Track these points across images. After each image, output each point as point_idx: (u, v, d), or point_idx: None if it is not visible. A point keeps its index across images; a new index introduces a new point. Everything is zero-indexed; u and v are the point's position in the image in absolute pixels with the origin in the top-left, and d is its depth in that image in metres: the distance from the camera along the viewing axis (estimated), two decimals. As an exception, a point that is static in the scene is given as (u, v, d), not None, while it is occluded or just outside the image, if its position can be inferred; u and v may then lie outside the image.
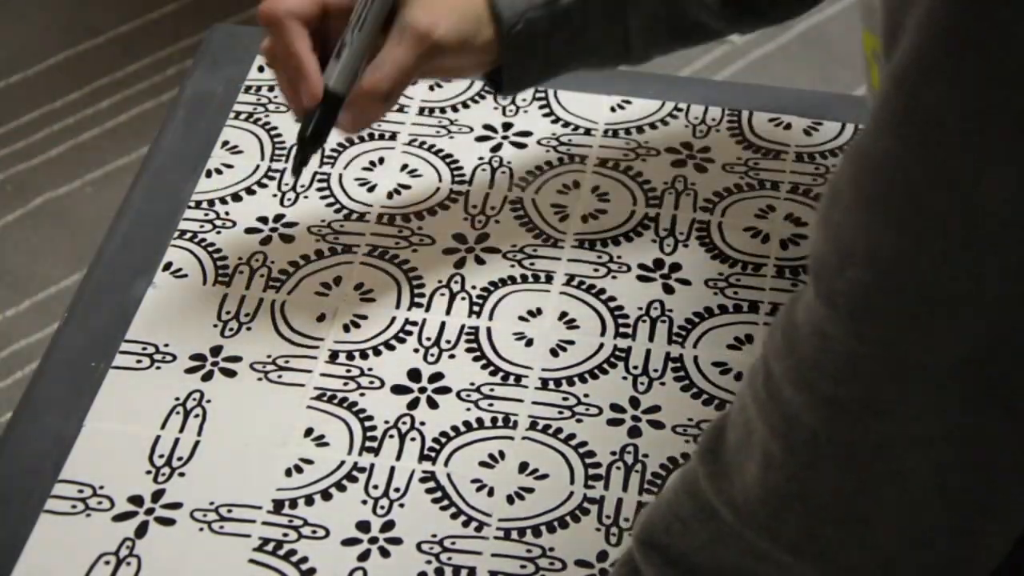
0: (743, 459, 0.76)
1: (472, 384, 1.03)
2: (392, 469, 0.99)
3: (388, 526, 0.96)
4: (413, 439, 1.00)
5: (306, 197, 1.15)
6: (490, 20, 1.03)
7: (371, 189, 1.16)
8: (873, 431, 0.71)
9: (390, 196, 1.15)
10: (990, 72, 0.64)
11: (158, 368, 1.04)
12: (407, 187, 1.16)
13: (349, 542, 0.95)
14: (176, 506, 0.96)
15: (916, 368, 0.69)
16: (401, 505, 0.97)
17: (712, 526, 0.78)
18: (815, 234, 0.73)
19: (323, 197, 1.15)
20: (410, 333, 1.06)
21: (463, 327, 1.07)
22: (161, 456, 0.99)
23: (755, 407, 0.75)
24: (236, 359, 1.04)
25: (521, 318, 1.07)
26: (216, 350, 1.05)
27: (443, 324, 1.07)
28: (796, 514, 0.74)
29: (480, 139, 1.20)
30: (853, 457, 0.71)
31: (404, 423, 1.01)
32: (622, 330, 1.07)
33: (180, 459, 0.99)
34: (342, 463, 0.99)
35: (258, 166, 1.17)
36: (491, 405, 1.02)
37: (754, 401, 0.75)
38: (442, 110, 1.21)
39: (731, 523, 0.76)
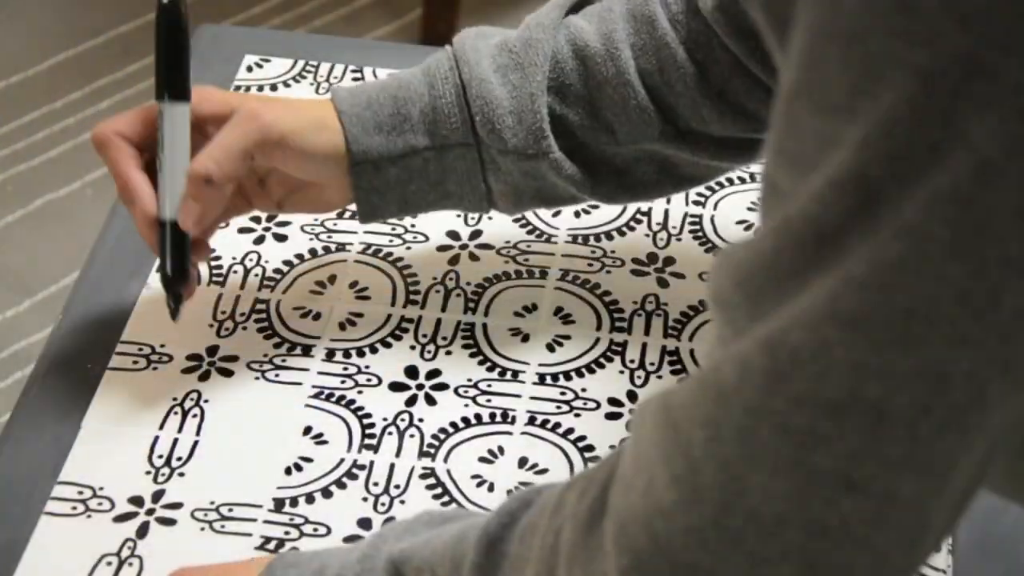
0: None
1: (469, 380, 1.04)
2: (392, 466, 0.99)
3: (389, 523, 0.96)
4: (412, 436, 1.01)
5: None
6: (337, 130, 1.00)
7: (366, 187, 1.16)
8: None
9: (385, 194, 1.15)
10: None
11: (155, 369, 1.04)
12: (402, 184, 1.16)
13: (351, 539, 0.95)
14: (176, 506, 0.97)
15: None
16: (402, 502, 0.97)
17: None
18: None
19: (317, 196, 1.15)
20: (406, 330, 1.06)
21: (459, 323, 1.07)
22: (160, 456, 0.99)
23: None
24: (233, 359, 1.04)
25: (516, 314, 1.08)
26: (212, 350, 1.05)
27: (439, 321, 1.07)
28: None
29: (474, 135, 1.20)
30: None
31: (403, 420, 1.01)
32: (618, 324, 1.07)
33: (179, 459, 0.99)
34: (342, 460, 0.99)
35: (252, 166, 1.17)
36: (489, 401, 1.03)
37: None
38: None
39: None
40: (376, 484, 0.98)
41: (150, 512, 0.96)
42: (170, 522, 0.96)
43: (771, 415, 0.62)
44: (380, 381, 1.03)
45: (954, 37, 0.56)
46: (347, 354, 1.05)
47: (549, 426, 1.01)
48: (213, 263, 1.10)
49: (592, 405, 1.02)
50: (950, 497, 0.64)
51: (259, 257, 1.11)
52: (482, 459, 0.99)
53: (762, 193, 0.65)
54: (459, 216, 1.13)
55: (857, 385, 0.61)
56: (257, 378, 1.03)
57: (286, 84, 1.23)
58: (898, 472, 0.62)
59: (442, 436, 1.01)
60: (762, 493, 0.63)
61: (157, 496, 0.97)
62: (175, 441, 1.00)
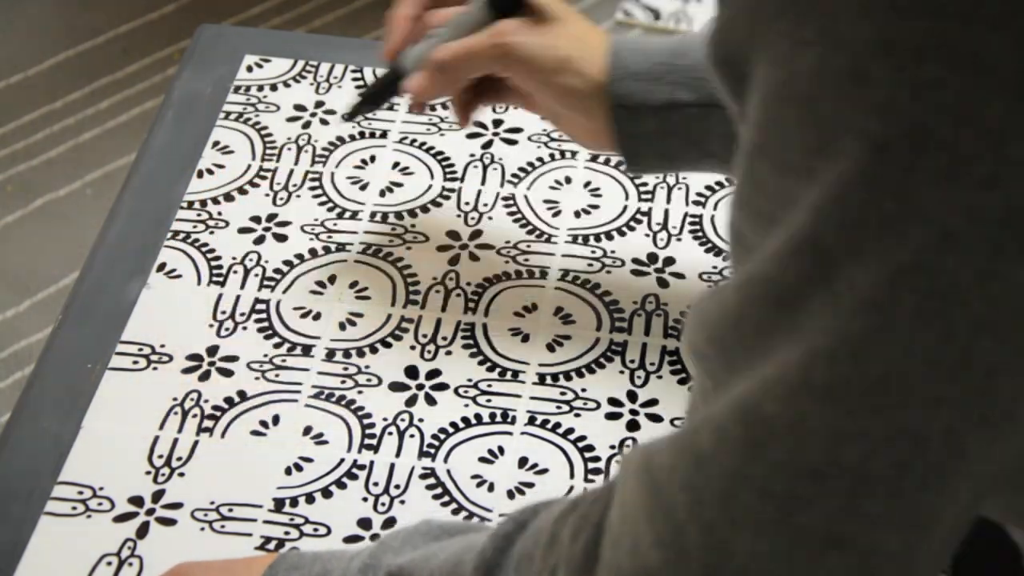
0: None
1: (469, 380, 1.04)
2: (392, 466, 0.99)
3: (389, 523, 0.96)
4: (412, 436, 1.01)
5: (298, 196, 1.15)
6: (578, 72, 1.00)
7: (363, 187, 1.16)
8: None
9: (383, 194, 1.15)
10: None
11: (155, 369, 1.04)
12: (399, 185, 1.16)
13: (351, 540, 0.95)
14: (176, 506, 0.97)
15: None
16: (402, 502, 0.97)
17: None
18: None
19: (315, 196, 1.15)
20: (406, 330, 1.06)
21: (459, 323, 1.07)
22: (160, 456, 0.99)
23: None
24: (233, 359, 1.04)
25: (517, 314, 1.08)
26: (212, 350, 1.05)
27: (439, 321, 1.07)
28: None
29: (471, 136, 1.20)
30: None
31: (403, 420, 1.01)
32: (618, 324, 1.07)
33: (179, 459, 0.99)
34: (342, 460, 0.99)
35: (249, 166, 1.17)
36: (489, 401, 1.03)
37: None
38: (432, 107, 1.22)
39: None
40: (376, 484, 0.98)
41: (150, 512, 0.96)
42: (170, 522, 0.96)
43: (750, 480, 0.62)
44: (380, 381, 1.04)
45: (906, 107, 0.56)
46: (347, 354, 1.05)
47: (549, 426, 1.01)
48: (213, 263, 1.10)
49: (592, 405, 1.02)
50: (937, 544, 0.64)
51: (259, 257, 1.11)
52: (482, 459, 0.99)
53: (730, 242, 0.64)
54: (459, 216, 1.13)
55: (834, 451, 0.60)
56: (257, 378, 1.03)
57: (286, 84, 1.23)
58: (881, 528, 0.62)
59: (442, 436, 1.01)
60: (747, 554, 0.63)
61: (157, 496, 0.97)
62: (175, 441, 1.00)
